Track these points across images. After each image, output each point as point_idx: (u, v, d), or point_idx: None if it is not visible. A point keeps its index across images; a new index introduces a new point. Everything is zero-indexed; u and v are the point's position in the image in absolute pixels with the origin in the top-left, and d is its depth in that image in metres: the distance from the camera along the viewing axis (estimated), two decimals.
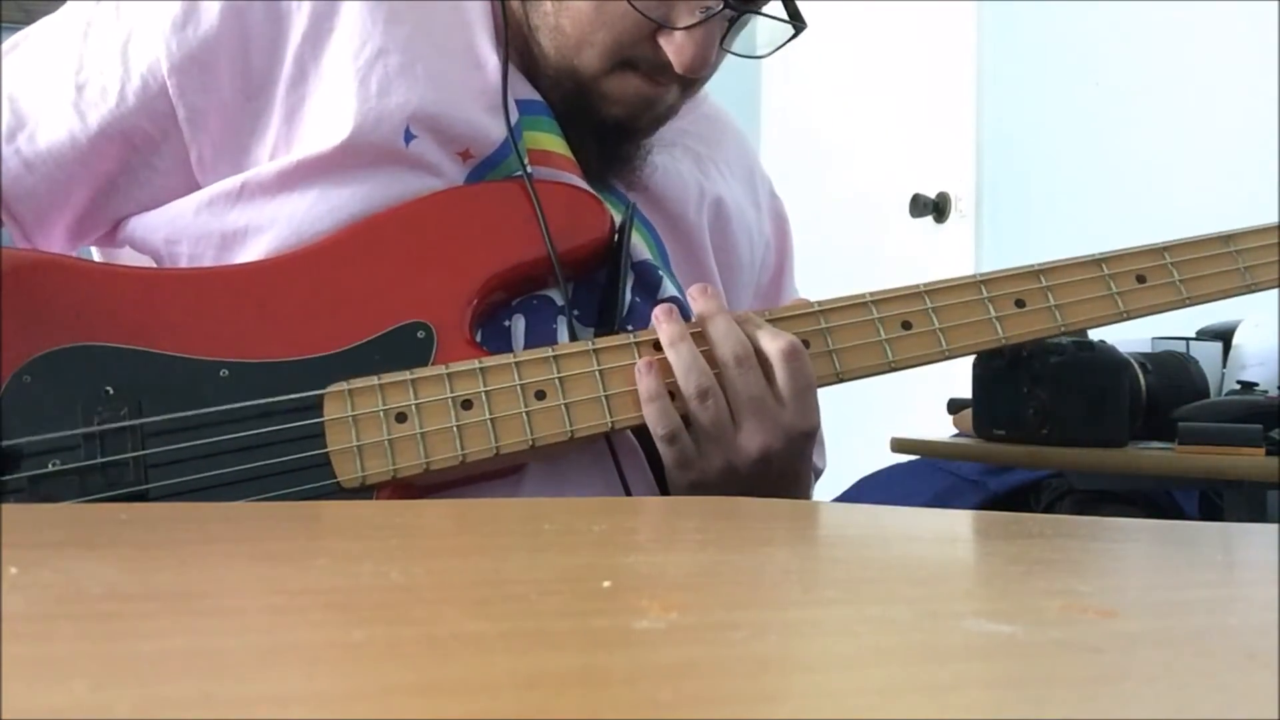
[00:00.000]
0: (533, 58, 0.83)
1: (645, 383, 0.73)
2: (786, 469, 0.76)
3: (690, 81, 0.82)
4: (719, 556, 0.41)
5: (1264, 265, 0.83)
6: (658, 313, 0.75)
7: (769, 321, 0.76)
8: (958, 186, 2.81)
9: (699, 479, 0.75)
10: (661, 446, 0.74)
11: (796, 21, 0.82)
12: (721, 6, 0.77)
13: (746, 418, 0.73)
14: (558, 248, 0.78)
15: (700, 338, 0.75)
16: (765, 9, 0.81)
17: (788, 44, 0.83)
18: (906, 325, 0.78)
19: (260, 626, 0.26)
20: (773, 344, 0.74)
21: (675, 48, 0.78)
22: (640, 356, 0.74)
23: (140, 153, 0.79)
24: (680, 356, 0.73)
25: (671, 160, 0.89)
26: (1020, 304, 0.79)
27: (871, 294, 0.78)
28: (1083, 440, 1.31)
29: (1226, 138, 2.19)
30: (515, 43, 0.84)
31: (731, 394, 0.73)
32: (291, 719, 0.19)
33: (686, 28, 0.77)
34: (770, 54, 0.84)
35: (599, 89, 0.81)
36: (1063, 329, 0.80)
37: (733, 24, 0.80)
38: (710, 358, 0.74)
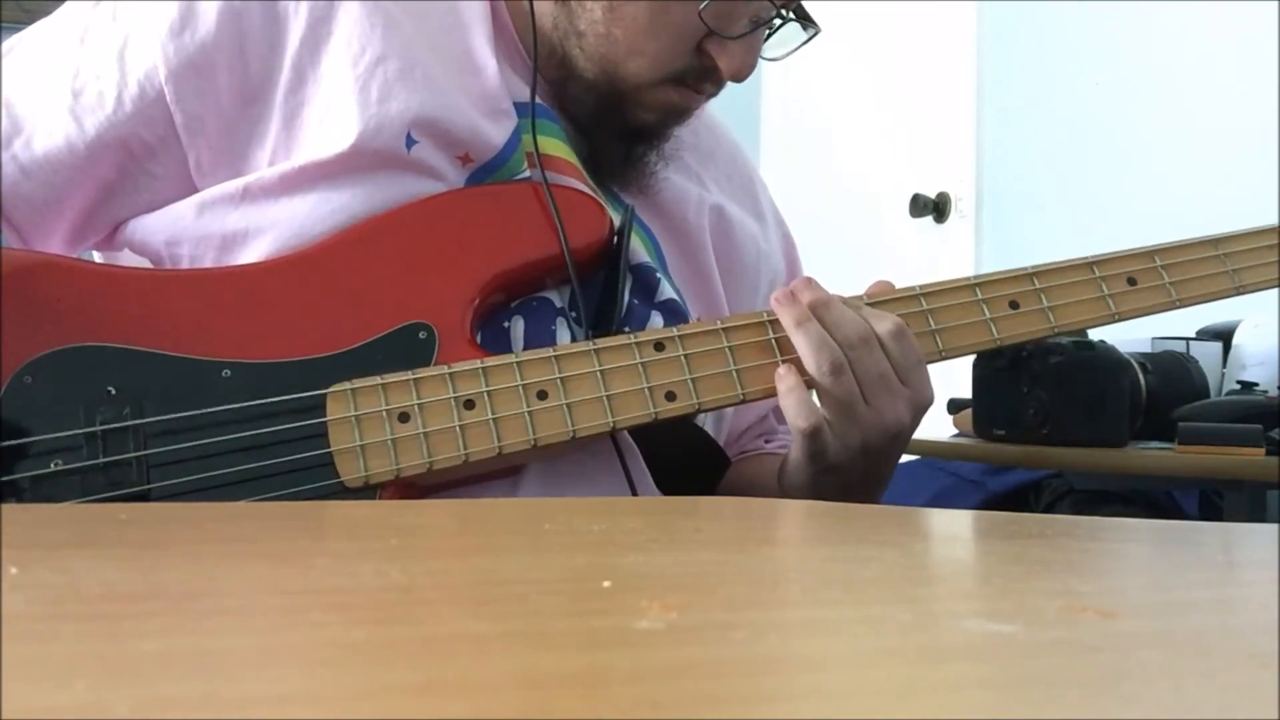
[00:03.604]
0: (564, 62, 0.83)
1: (786, 378, 0.75)
2: (906, 444, 0.79)
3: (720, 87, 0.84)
4: (719, 556, 0.41)
5: (1251, 268, 0.85)
6: (779, 296, 0.76)
7: (770, 322, 0.77)
8: (958, 186, 2.81)
9: (833, 463, 0.75)
10: (801, 441, 0.75)
11: (809, 24, 0.83)
12: (773, 14, 0.79)
13: (878, 394, 0.75)
14: (557, 249, 0.78)
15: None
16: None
17: (801, 47, 0.85)
18: None
19: (260, 626, 0.26)
20: (881, 325, 0.76)
21: (728, 55, 0.79)
22: (641, 357, 0.74)
23: (138, 159, 0.78)
24: (809, 336, 0.74)
25: (669, 168, 0.89)
26: (1014, 306, 0.80)
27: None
28: (1083, 440, 1.31)
29: (1226, 137, 2.19)
30: (522, 45, 0.84)
31: (861, 372, 0.74)
32: (291, 719, 0.19)
33: (740, 36, 0.79)
34: (783, 56, 0.85)
35: (638, 97, 0.82)
36: (1056, 330, 0.81)
37: (772, 32, 0.82)
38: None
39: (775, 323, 0.77)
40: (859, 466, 0.76)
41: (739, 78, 0.81)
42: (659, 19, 0.79)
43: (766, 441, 0.97)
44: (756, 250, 0.94)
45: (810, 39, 0.84)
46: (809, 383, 0.75)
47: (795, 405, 0.74)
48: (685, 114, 0.85)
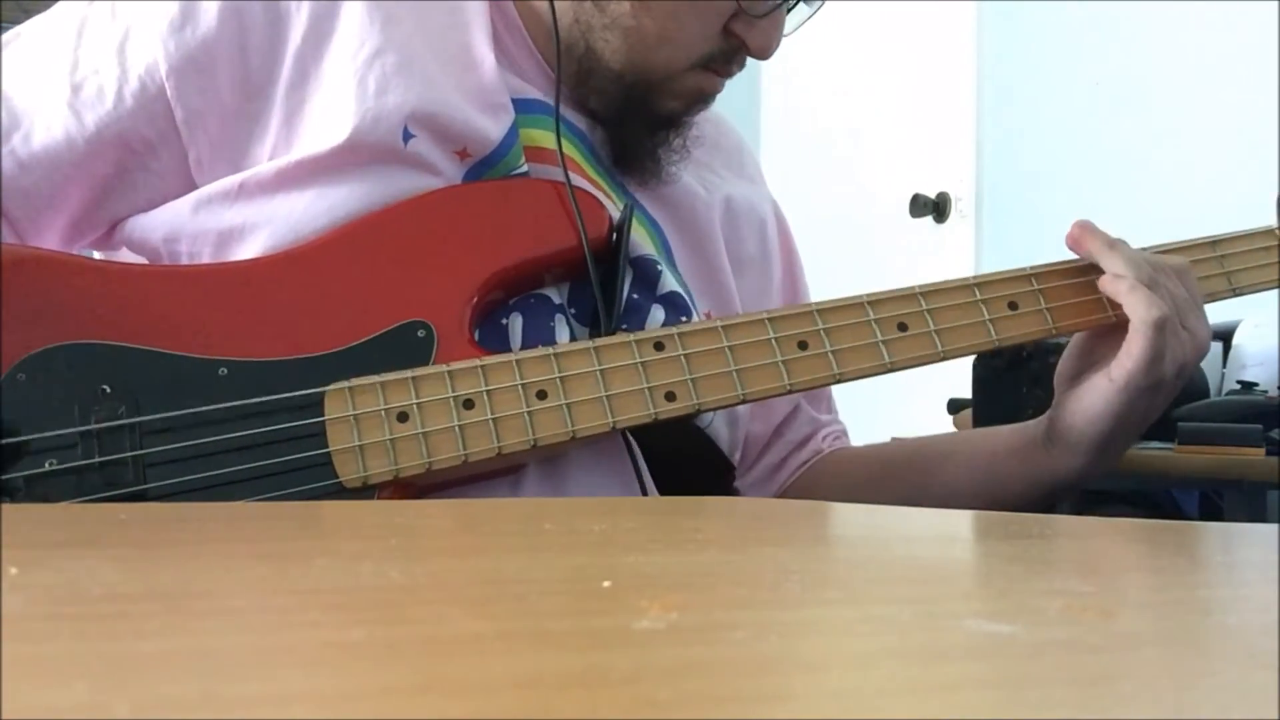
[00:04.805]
0: (586, 56, 0.83)
1: (1118, 281, 0.77)
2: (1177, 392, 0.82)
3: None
4: (719, 556, 0.41)
5: (1247, 270, 0.86)
6: (1077, 226, 0.81)
7: (769, 321, 0.77)
8: (958, 186, 2.81)
9: (1169, 374, 0.77)
10: (1149, 334, 0.76)
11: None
12: None
13: (1188, 314, 0.78)
14: (557, 246, 0.78)
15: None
16: None
17: (811, 18, 0.86)
18: (902, 327, 0.78)
19: (260, 626, 0.26)
20: (1174, 261, 0.80)
21: (756, 32, 0.81)
22: (640, 356, 0.74)
23: (137, 155, 0.78)
24: (1125, 251, 0.78)
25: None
26: (1013, 306, 0.80)
27: (868, 296, 0.79)
28: None
29: (1226, 137, 2.19)
30: (534, 43, 0.85)
31: (1174, 293, 0.77)
32: (291, 719, 0.19)
33: (768, 13, 0.81)
34: (792, 31, 0.86)
35: (666, 86, 0.83)
36: (1054, 331, 0.81)
37: (792, 7, 0.84)
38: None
39: (775, 321, 0.77)
40: (1165, 398, 0.78)
41: (765, 54, 0.82)
42: (688, 5, 0.80)
43: (824, 439, 0.97)
44: (762, 238, 0.96)
45: (818, 10, 0.86)
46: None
47: (1144, 298, 0.76)
48: (709, 99, 0.86)
